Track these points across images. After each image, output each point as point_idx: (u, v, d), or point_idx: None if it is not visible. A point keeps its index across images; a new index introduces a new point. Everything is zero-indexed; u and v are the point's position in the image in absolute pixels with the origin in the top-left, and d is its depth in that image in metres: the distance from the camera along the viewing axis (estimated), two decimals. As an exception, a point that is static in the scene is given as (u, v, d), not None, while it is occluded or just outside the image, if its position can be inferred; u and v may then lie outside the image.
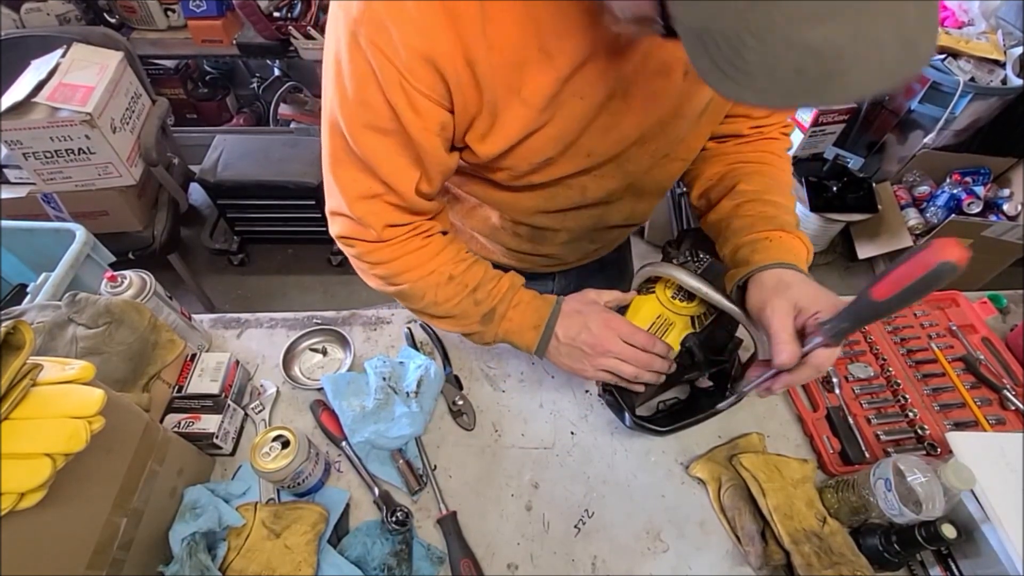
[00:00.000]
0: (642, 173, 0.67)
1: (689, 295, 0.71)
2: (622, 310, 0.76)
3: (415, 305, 0.69)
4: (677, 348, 0.70)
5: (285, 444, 0.66)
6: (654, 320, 0.72)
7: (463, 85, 0.50)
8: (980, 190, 1.93)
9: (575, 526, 0.71)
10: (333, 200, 0.62)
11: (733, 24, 0.30)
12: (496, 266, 0.88)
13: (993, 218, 1.91)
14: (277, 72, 2.56)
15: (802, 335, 0.56)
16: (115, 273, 0.78)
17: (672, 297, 0.72)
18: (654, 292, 0.74)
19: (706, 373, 0.71)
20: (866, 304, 0.48)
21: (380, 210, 0.60)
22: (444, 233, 0.70)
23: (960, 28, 1.88)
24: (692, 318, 0.71)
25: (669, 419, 0.76)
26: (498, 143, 0.56)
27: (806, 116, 2.00)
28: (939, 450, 0.74)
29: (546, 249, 0.82)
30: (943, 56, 1.82)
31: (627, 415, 0.73)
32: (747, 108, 0.67)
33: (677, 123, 0.61)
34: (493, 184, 0.67)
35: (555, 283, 0.96)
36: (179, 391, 0.77)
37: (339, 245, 0.67)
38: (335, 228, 0.65)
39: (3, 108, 1.45)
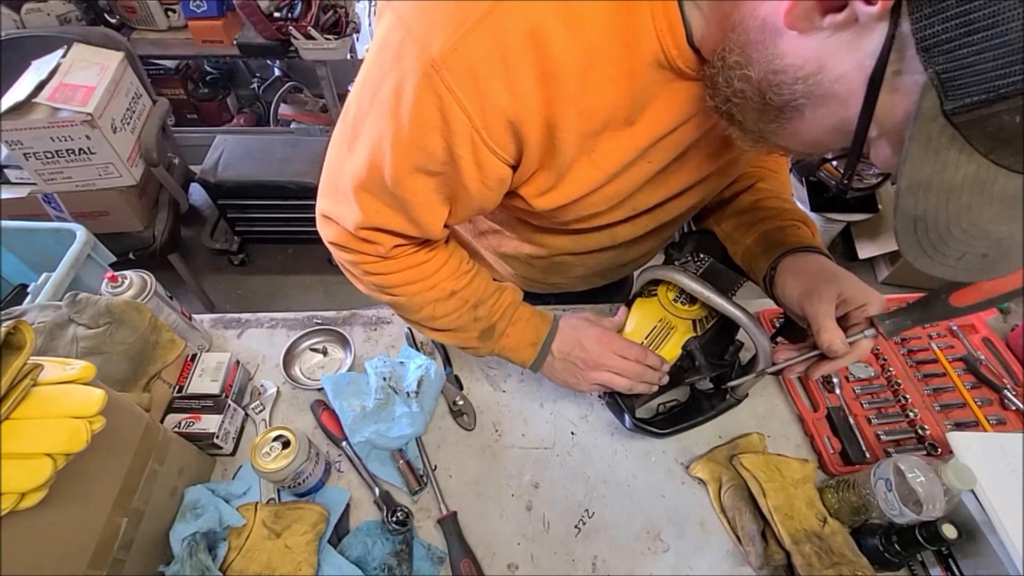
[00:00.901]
0: (670, 220, 0.67)
1: (691, 298, 0.71)
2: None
3: (411, 316, 0.68)
4: (678, 352, 0.70)
5: (285, 444, 0.66)
6: (656, 323, 0.72)
7: (538, 147, 0.48)
8: (981, 190, 1.93)
9: (575, 526, 0.71)
10: (336, 208, 0.58)
11: (947, 220, 0.36)
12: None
13: (994, 218, 1.91)
14: (277, 72, 2.56)
15: (841, 323, 0.58)
16: (116, 273, 0.78)
17: (674, 300, 0.72)
18: (656, 295, 0.73)
19: (707, 377, 0.71)
20: (940, 309, 0.52)
21: (393, 237, 0.58)
22: (447, 240, 0.68)
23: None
24: (694, 321, 0.71)
25: (669, 421, 0.76)
26: (557, 200, 0.54)
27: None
28: (939, 450, 0.74)
29: (556, 279, 0.82)
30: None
31: (627, 417, 0.73)
32: None
33: (719, 179, 0.62)
34: (525, 222, 0.67)
35: (554, 299, 0.97)
36: (179, 391, 0.77)
37: (331, 249, 0.63)
38: (330, 233, 0.61)
39: (4, 108, 1.45)
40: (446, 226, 0.60)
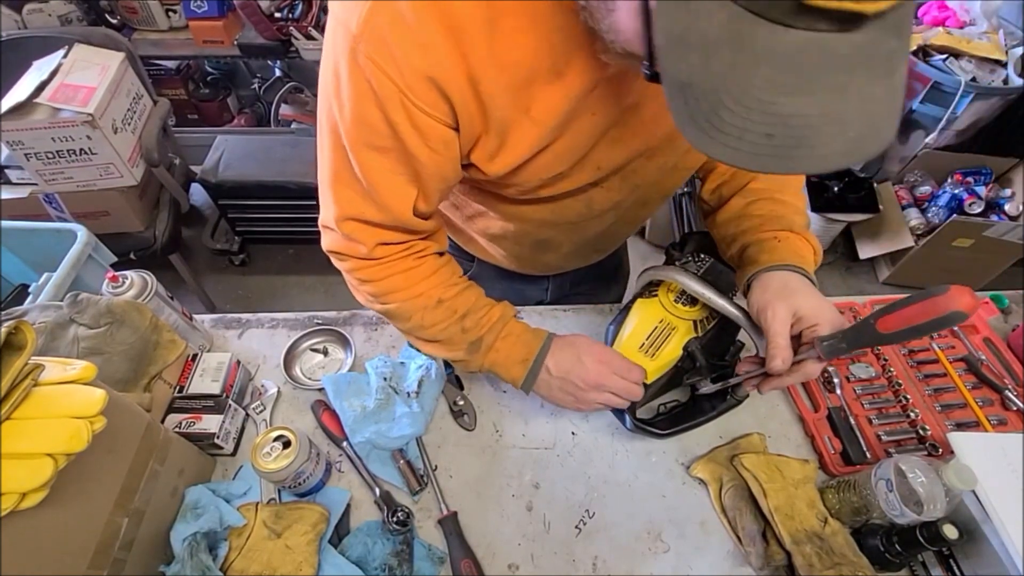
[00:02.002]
0: (649, 185, 0.66)
1: (692, 299, 0.71)
2: (624, 313, 0.76)
3: (402, 326, 0.68)
4: (679, 352, 0.70)
5: (286, 444, 0.66)
6: (656, 324, 0.71)
7: (467, 104, 0.48)
8: (982, 190, 1.93)
9: (576, 526, 0.71)
10: (326, 212, 0.60)
11: (713, 84, 0.32)
12: (494, 268, 0.87)
13: (995, 218, 1.91)
14: (278, 72, 2.56)
15: (796, 341, 0.58)
16: (116, 273, 0.78)
17: (675, 301, 0.72)
18: (656, 296, 0.73)
19: (708, 378, 0.71)
20: (869, 334, 0.51)
21: (373, 232, 0.59)
22: (442, 254, 0.68)
23: (962, 28, 1.88)
24: (695, 322, 0.71)
25: (670, 422, 0.76)
26: (507, 162, 0.54)
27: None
28: (940, 450, 0.74)
29: (547, 258, 0.81)
30: (944, 56, 1.81)
31: (628, 418, 0.73)
32: None
33: None
34: (499, 197, 0.66)
35: (550, 282, 0.96)
36: (180, 391, 0.77)
37: (331, 259, 0.65)
38: (326, 241, 0.63)
39: (5, 108, 1.46)
40: (423, 216, 0.60)
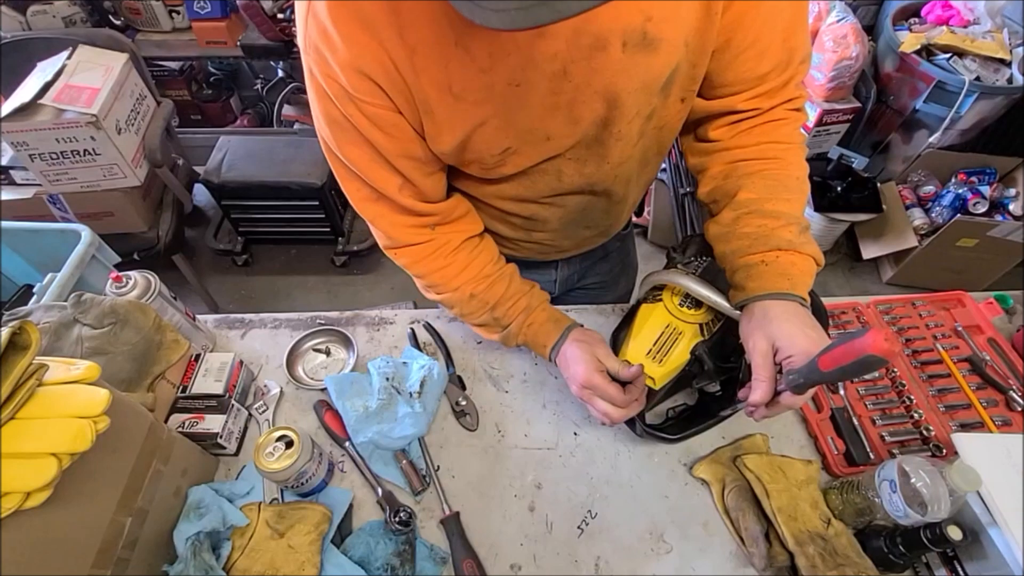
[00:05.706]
0: (619, 161, 0.65)
1: (696, 302, 0.71)
2: (628, 318, 0.76)
3: (453, 312, 0.77)
4: (687, 357, 0.69)
5: (289, 444, 0.66)
6: (663, 330, 0.71)
7: (395, 88, 0.52)
8: (986, 190, 1.92)
9: (578, 527, 0.71)
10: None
11: None
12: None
13: (999, 218, 1.90)
14: (281, 73, 2.57)
15: (780, 370, 0.58)
16: (120, 274, 0.78)
17: (680, 305, 0.72)
18: (661, 300, 0.73)
19: (717, 381, 0.71)
20: (815, 370, 0.52)
21: (385, 211, 0.65)
22: (480, 235, 0.74)
23: (965, 27, 1.87)
24: (700, 325, 0.70)
25: (679, 426, 0.75)
26: (447, 140, 0.57)
27: (810, 116, 2.00)
28: (944, 451, 0.74)
29: (539, 236, 0.82)
30: (948, 55, 1.81)
31: (637, 424, 0.72)
32: (736, 77, 0.62)
33: (636, 99, 0.57)
34: (472, 178, 0.68)
35: (558, 272, 0.96)
36: (183, 391, 0.77)
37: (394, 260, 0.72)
38: (378, 241, 0.72)
39: (10, 110, 1.46)
40: (424, 200, 0.64)
